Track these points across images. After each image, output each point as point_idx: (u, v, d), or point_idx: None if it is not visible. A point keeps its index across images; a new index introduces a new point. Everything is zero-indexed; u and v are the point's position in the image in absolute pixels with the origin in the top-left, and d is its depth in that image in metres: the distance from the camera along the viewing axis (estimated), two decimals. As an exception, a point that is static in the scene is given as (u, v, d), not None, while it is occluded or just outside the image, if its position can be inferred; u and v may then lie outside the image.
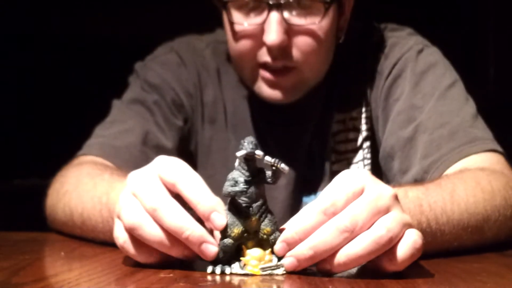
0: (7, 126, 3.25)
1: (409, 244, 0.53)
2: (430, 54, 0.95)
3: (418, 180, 0.84)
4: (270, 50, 0.86)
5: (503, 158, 0.84)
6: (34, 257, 0.67)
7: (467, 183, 0.72)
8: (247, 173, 0.54)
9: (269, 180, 0.55)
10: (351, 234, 0.52)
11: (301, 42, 0.87)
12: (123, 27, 3.26)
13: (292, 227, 0.54)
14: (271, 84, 0.90)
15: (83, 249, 0.73)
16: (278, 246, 0.55)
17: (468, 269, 0.60)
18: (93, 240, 0.77)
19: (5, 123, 3.24)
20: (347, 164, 0.97)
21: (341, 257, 0.53)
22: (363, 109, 0.97)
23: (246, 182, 0.53)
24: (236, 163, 0.54)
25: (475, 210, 0.70)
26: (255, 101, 1.00)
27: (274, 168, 0.55)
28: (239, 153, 0.54)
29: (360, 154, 0.97)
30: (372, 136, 0.97)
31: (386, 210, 0.53)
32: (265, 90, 0.91)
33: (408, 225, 0.54)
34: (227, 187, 0.54)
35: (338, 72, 0.98)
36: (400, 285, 0.52)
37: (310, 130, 0.99)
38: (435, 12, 3.14)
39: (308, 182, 0.99)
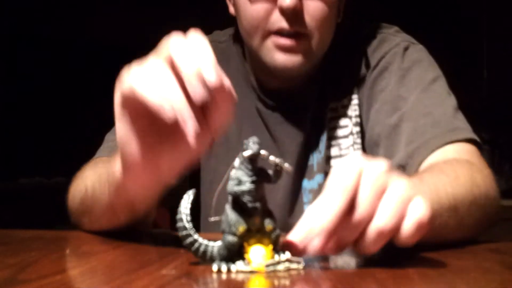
0: (12, 126, 3.27)
1: (414, 221, 0.54)
2: (416, 51, 1.00)
3: (403, 165, 0.88)
4: (285, 14, 0.89)
5: (479, 149, 0.88)
6: (40, 254, 0.68)
7: (449, 174, 0.74)
8: (251, 173, 0.54)
9: (270, 179, 0.56)
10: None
11: (313, 8, 0.90)
12: (125, 30, 3.27)
13: (322, 219, 0.54)
14: (286, 50, 0.92)
15: (87, 247, 0.74)
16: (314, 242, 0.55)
17: (462, 266, 0.61)
18: (98, 219, 0.77)
19: (10, 123, 3.26)
20: (339, 149, 1.01)
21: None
22: (353, 97, 1.01)
23: (251, 181, 0.54)
24: (237, 162, 0.55)
25: (459, 196, 0.72)
26: (257, 91, 1.04)
27: (277, 167, 0.55)
28: (245, 153, 0.54)
29: (350, 139, 1.01)
30: (361, 122, 1.02)
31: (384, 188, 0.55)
32: (279, 57, 0.93)
33: (408, 199, 0.55)
34: (232, 186, 0.54)
35: (331, 62, 1.02)
36: (396, 281, 0.53)
37: (309, 117, 1.03)
38: (429, 16, 3.15)
39: (307, 168, 1.03)
